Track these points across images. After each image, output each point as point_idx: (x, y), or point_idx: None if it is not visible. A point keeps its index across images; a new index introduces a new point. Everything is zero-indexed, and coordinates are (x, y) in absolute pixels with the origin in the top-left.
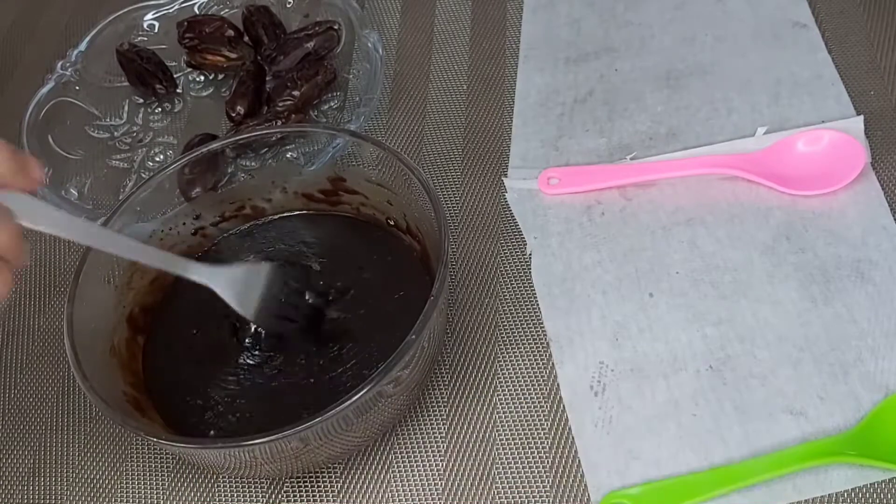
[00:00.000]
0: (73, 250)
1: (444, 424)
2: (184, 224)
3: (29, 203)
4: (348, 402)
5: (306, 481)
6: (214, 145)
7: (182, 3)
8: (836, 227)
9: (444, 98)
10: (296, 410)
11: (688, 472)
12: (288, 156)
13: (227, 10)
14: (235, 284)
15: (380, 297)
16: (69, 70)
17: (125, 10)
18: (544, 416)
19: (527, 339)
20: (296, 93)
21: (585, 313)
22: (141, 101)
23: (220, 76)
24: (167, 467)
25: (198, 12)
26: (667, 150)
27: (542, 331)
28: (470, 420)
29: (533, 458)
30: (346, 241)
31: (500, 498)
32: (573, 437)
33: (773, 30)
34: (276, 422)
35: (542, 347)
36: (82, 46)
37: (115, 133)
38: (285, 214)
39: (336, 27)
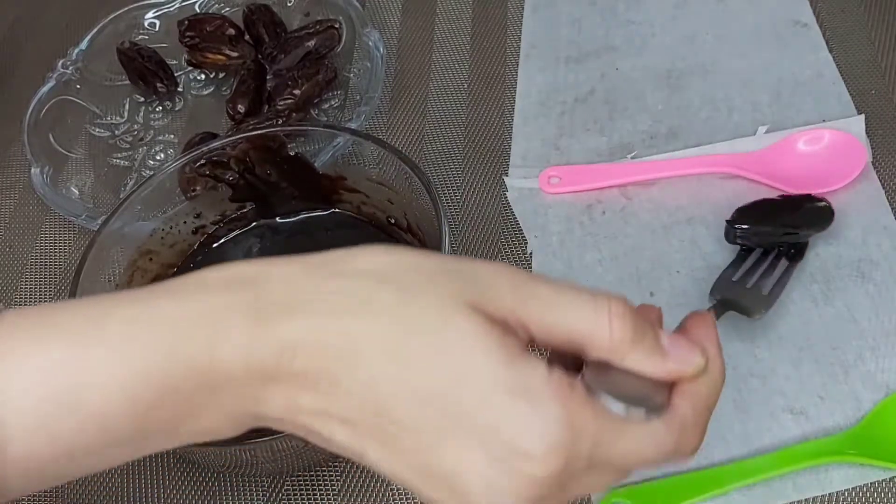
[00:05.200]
0: (73, 250)
1: None
2: (184, 222)
3: None
4: None
5: (308, 479)
6: (215, 144)
7: (183, 1)
8: (836, 226)
9: (445, 97)
10: None
11: (688, 471)
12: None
13: (227, 9)
14: None
15: None
16: (70, 68)
17: (126, 8)
18: None
19: None
20: (296, 91)
21: None
22: (142, 99)
23: (221, 75)
24: (167, 465)
25: (199, 11)
26: (667, 150)
27: None
28: None
29: None
30: (347, 240)
31: None
32: None
33: (774, 29)
34: None
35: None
36: (83, 45)
37: (116, 131)
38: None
39: (337, 26)
